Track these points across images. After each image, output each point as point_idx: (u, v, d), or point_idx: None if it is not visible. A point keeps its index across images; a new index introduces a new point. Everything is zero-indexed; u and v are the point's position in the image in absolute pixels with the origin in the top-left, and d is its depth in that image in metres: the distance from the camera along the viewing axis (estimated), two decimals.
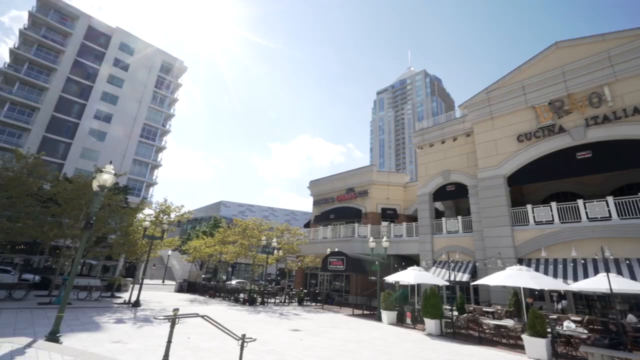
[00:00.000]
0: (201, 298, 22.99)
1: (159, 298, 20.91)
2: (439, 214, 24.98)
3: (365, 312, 19.50)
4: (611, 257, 13.60)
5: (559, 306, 15.36)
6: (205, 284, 27.44)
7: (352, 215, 29.52)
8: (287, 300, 23.54)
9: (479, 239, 18.54)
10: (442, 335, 13.16)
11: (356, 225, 26.74)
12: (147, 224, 17.55)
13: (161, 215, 20.12)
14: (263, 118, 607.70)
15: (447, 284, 15.83)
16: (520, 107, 18.37)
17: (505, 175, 18.24)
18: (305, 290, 26.01)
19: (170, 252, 40.59)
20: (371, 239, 19.74)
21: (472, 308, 15.52)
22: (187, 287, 27.67)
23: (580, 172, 16.52)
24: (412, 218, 26.52)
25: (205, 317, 6.20)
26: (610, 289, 9.85)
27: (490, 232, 17.79)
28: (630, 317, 11.99)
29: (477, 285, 14.43)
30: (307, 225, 36.44)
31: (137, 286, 18.51)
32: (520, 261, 16.32)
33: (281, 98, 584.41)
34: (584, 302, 15.61)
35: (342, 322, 15.60)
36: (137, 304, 15.94)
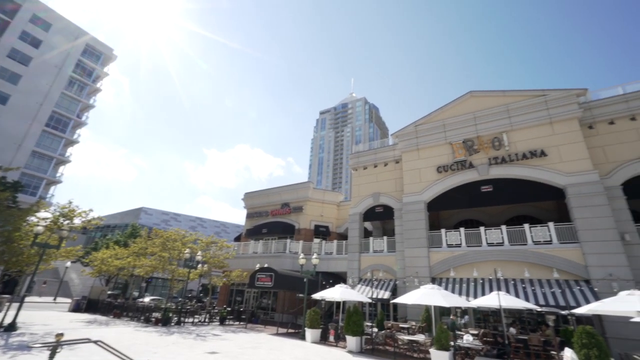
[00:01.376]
0: (103, 319, 19.90)
1: (47, 319, 17.46)
2: (367, 234, 26.33)
3: (290, 330, 19.14)
4: (502, 277, 15.90)
5: (462, 321, 17.22)
6: (111, 301, 23.89)
7: (285, 231, 29.28)
8: (207, 320, 21.83)
9: (400, 258, 19.98)
10: (362, 352, 13.56)
11: (288, 241, 26.56)
12: (39, 229, 14.71)
13: (61, 220, 17.12)
14: (202, 121, 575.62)
15: (370, 301, 16.55)
16: (441, 142, 20.82)
17: (426, 201, 20.23)
18: (229, 308, 24.52)
19: (69, 264, 34.60)
20: (302, 255, 19.76)
21: (390, 324, 16.42)
22: (87, 305, 23.70)
23: (483, 202, 19.24)
24: (343, 236, 27.43)
25: (99, 343, 5.32)
26: (500, 306, 11.43)
27: (410, 252, 19.33)
28: (512, 330, 14.01)
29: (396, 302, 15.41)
30: (237, 239, 34.91)
31: (16, 304, 15.18)
32: (433, 280, 17.99)
33: (224, 103, 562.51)
34: (481, 317, 17.81)
35: (265, 341, 15.01)
36: (12, 327, 13.02)
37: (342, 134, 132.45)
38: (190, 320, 21.14)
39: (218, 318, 22.02)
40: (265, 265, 22.51)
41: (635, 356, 10.77)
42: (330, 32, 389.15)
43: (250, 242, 29.33)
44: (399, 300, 13.42)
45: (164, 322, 18.43)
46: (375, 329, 15.52)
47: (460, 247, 18.10)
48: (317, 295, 16.41)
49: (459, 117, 20.47)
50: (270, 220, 30.94)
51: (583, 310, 9.98)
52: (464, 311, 17.32)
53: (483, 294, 15.23)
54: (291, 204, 30.01)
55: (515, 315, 17.00)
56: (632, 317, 10.35)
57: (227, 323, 21.70)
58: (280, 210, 30.42)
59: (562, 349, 10.38)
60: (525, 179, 17.61)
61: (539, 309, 13.04)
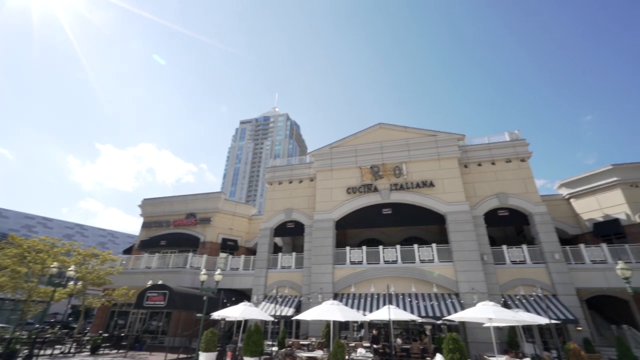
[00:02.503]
0: None
1: None
2: (278, 249, 26.15)
3: (182, 355, 17.19)
4: (393, 292, 17.65)
5: (359, 335, 18.33)
6: None
7: (188, 244, 26.78)
8: (73, 350, 17.95)
9: (307, 274, 20.34)
10: None
11: (190, 255, 24.30)
12: None
13: None
14: (97, 109, 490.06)
15: (272, 319, 16.23)
16: (352, 165, 22.50)
17: (335, 219, 21.33)
18: (106, 334, 20.70)
19: None
20: (204, 271, 18.26)
21: (290, 342, 16.32)
22: None
23: (384, 224, 21.34)
24: (253, 251, 26.57)
25: None
26: (389, 319, 12.60)
27: (317, 269, 19.89)
28: (398, 340, 15.56)
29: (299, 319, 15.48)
30: (128, 251, 30.29)
31: None
32: (336, 296, 18.81)
33: (130, 92, 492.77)
34: (374, 329, 19.27)
35: None
36: None
37: (262, 147, 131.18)
38: (49, 352, 17.06)
39: (89, 346, 18.34)
40: (160, 282, 20.03)
41: (485, 356, 13.15)
42: (259, 45, 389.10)
43: (143, 255, 25.76)
44: (300, 316, 13.52)
45: (7, 357, 14.38)
46: (276, 348, 15.20)
47: (361, 264, 19.50)
48: (216, 315, 15.27)
49: (369, 144, 22.59)
50: (172, 231, 27.95)
51: (453, 318, 11.78)
52: (360, 325, 18.49)
53: (377, 308, 16.60)
54: (198, 214, 27.80)
55: (403, 326, 18.97)
56: (484, 323, 12.72)
57: (101, 352, 18.23)
58: (184, 220, 27.82)
59: (435, 355, 11.96)
60: (418, 205, 20.31)
61: (420, 319, 14.84)
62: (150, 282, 20.65)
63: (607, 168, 20.44)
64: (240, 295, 22.54)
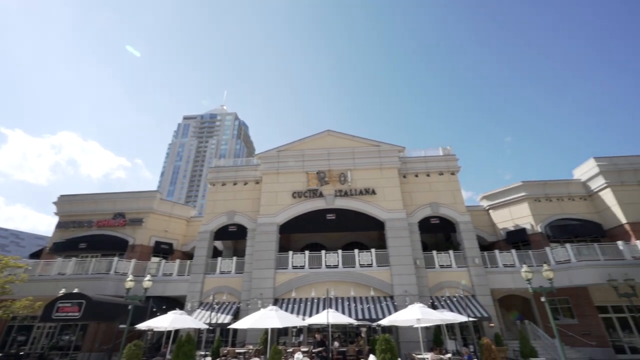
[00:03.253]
0: None
1: None
2: (218, 253, 24.92)
3: None
4: (333, 296, 18.03)
5: (298, 340, 18.27)
6: None
7: (114, 247, 24.06)
8: None
9: (247, 279, 19.73)
10: None
11: (115, 259, 21.83)
12: None
13: None
14: (4, 83, 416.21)
15: (207, 327, 15.35)
16: (299, 170, 22.59)
17: (279, 223, 21.11)
18: (1, 354, 17.47)
19: None
20: (131, 277, 16.52)
21: (226, 351, 15.60)
22: None
23: (328, 229, 21.78)
24: (190, 255, 24.91)
25: None
26: (328, 322, 12.81)
27: (258, 273, 19.41)
28: (335, 344, 15.88)
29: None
30: (37, 255, 26.16)
31: None
32: (276, 301, 18.53)
33: (52, 69, 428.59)
34: (313, 334, 19.42)
35: None
36: None
37: (206, 145, 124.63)
38: None
39: None
40: (75, 291, 17.65)
41: (414, 354, 14.10)
42: (205, 43, 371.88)
43: (56, 260, 22.45)
44: (236, 325, 13.04)
45: None
46: (209, 359, 14.39)
47: (303, 268, 19.56)
48: (142, 326, 13.91)
49: (317, 150, 22.95)
50: (95, 232, 24.87)
51: (384, 321, 12.42)
52: (300, 330, 18.47)
53: (317, 312, 16.76)
54: (128, 214, 25.21)
55: (341, 330, 19.43)
56: (413, 324, 13.67)
57: None
58: (111, 221, 24.98)
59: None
60: (360, 211, 21.15)
61: (356, 322, 15.36)
62: (63, 291, 18.07)
63: (518, 184, 23.67)
64: (173, 303, 20.90)
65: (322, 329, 18.63)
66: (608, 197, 21.61)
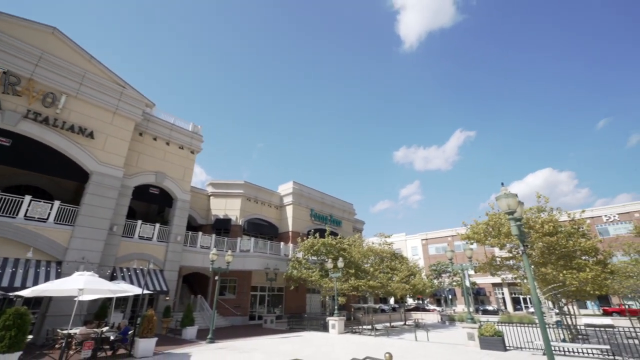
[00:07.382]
0: None
1: None
2: None
3: None
4: None
5: None
6: None
7: None
8: None
9: None
10: None
11: None
12: None
13: None
14: None
15: None
16: None
17: None
18: None
19: None
20: None
21: None
22: None
23: None
24: None
25: None
26: None
27: None
28: None
29: None
30: None
31: None
32: None
33: None
34: None
35: None
36: None
37: None
38: None
39: None
40: None
41: (59, 330, 11.92)
42: None
43: None
44: None
45: None
46: None
47: None
48: None
49: (24, 44, 15.31)
50: None
51: (27, 292, 9.62)
52: None
53: None
54: None
55: None
56: (76, 296, 11.59)
57: None
58: None
59: None
60: (61, 152, 15.98)
61: None
62: None
63: (241, 182, 27.58)
64: None
65: None
66: (289, 210, 29.93)
